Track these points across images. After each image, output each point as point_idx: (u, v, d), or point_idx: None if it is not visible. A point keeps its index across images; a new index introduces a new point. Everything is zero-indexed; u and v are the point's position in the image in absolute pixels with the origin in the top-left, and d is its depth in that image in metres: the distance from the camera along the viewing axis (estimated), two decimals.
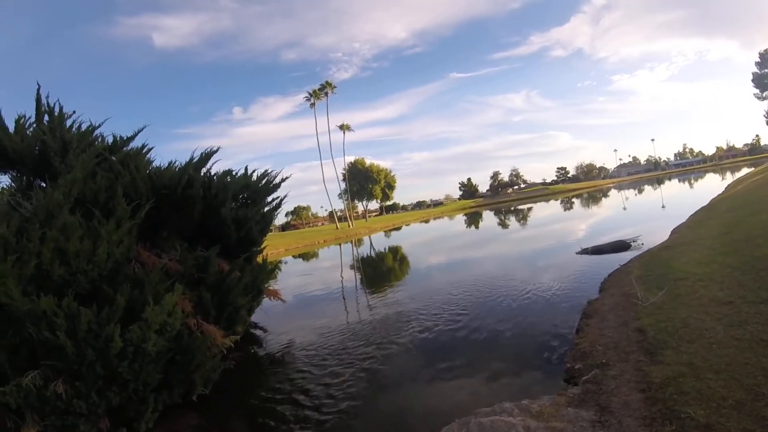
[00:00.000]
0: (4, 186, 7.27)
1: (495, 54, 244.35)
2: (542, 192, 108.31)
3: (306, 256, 33.24)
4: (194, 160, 8.69)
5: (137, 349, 4.91)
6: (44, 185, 6.04)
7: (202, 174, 8.86)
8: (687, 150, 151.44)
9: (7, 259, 4.51)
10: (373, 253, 30.26)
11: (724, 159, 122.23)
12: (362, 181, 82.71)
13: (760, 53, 58.90)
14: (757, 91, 60.02)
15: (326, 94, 63.52)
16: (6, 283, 4.33)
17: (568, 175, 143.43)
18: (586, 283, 9.38)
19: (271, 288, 9.92)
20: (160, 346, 5.12)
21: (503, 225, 36.19)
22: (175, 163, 8.66)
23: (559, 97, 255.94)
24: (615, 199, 46.30)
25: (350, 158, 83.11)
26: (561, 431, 3.74)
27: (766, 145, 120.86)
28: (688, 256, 8.78)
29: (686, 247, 9.98)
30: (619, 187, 73.84)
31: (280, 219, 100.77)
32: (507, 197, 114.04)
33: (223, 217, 8.42)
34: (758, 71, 59.10)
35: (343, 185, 75.27)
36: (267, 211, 10.14)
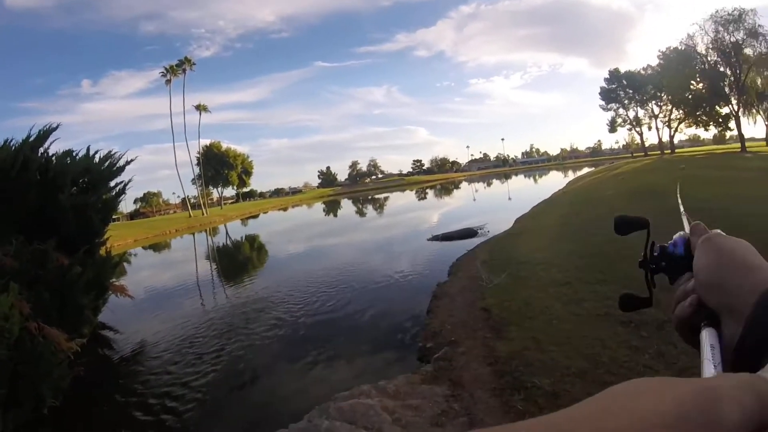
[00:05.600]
0: None
1: (361, 47, 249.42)
2: (399, 182, 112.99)
3: (157, 247, 30.89)
4: (31, 139, 7.66)
5: None
6: None
7: (39, 155, 7.84)
8: (534, 150, 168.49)
9: None
10: (229, 242, 29.25)
11: (567, 159, 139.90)
12: (218, 166, 78.54)
13: (610, 71, 67.99)
14: (603, 103, 69.22)
15: (184, 71, 58.92)
16: None
17: (424, 168, 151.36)
18: (436, 268, 10.04)
19: (117, 283, 9.13)
20: (0, 354, 4.48)
21: (361, 213, 37.11)
22: (11, 141, 7.57)
23: (419, 94, 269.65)
24: (466, 191, 49.97)
25: (206, 141, 78.74)
26: (417, 408, 3.94)
27: (606, 149, 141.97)
28: (530, 243, 9.79)
29: (528, 234, 11.13)
30: (470, 180, 80.00)
31: (128, 206, 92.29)
32: (365, 186, 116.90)
33: (62, 205, 7.54)
34: (606, 86, 67.96)
35: (197, 170, 71.14)
36: (109, 197, 9.26)
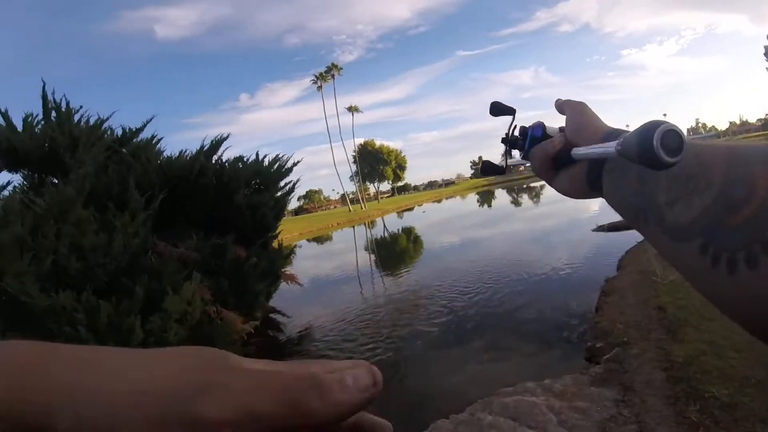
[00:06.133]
0: (16, 185, 7.26)
1: (501, 31, 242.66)
2: None
3: (320, 239, 33.28)
4: (205, 148, 8.65)
5: (159, 339, 4.92)
6: (56, 181, 6.02)
7: (213, 162, 8.82)
8: (700, 125, 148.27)
9: (23, 256, 4.53)
10: (387, 234, 30.18)
11: (737, 134, 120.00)
12: (373, 162, 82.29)
13: None
14: None
15: (333, 76, 63.09)
16: (24, 281, 4.34)
17: None
18: (603, 261, 9.18)
19: (288, 272, 9.92)
20: (181, 335, 5.14)
21: (516, 203, 35.94)
22: (185, 152, 8.64)
23: (568, 72, 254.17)
24: None
25: (360, 140, 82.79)
26: (584, 411, 3.68)
27: None
28: None
29: None
30: None
31: (292, 203, 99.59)
32: (519, 175, 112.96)
33: (237, 204, 8.39)
34: None
35: (353, 167, 75.13)
36: (280, 195, 10.10)
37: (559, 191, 0.68)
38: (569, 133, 0.63)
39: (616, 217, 13.88)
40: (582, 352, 5.17)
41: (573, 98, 0.65)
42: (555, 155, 0.65)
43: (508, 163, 0.83)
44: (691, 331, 4.58)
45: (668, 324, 4.92)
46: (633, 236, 10.72)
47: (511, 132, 0.78)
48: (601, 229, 13.07)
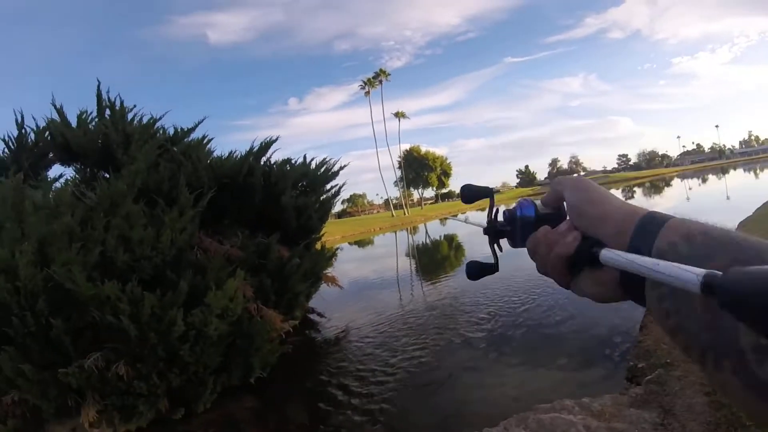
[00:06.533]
0: (69, 178, 7.56)
1: (550, 37, 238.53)
2: (603, 180, 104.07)
3: (362, 243, 33.44)
4: (254, 150, 8.80)
5: (199, 332, 5.00)
6: (107, 176, 6.22)
7: (262, 163, 8.96)
8: (753, 138, 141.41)
9: (71, 246, 4.68)
10: (428, 240, 30.10)
11: None
12: (418, 168, 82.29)
13: None
14: None
15: (380, 82, 63.77)
16: (71, 270, 4.48)
17: (630, 163, 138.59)
18: None
19: (329, 274, 9.95)
20: (221, 330, 5.20)
21: None
22: (235, 152, 8.83)
23: (619, 80, 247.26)
24: (678, 189, 44.10)
25: (405, 146, 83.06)
26: None
27: None
28: None
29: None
30: (683, 177, 70.53)
31: (336, 206, 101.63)
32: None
33: (284, 205, 8.49)
34: None
35: (398, 173, 75.35)
36: (326, 198, 10.18)
37: (578, 295, 0.54)
38: (581, 225, 0.52)
39: None
40: (623, 372, 5.03)
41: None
42: (572, 258, 0.52)
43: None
44: None
45: None
46: None
47: (493, 218, 0.66)
48: None
